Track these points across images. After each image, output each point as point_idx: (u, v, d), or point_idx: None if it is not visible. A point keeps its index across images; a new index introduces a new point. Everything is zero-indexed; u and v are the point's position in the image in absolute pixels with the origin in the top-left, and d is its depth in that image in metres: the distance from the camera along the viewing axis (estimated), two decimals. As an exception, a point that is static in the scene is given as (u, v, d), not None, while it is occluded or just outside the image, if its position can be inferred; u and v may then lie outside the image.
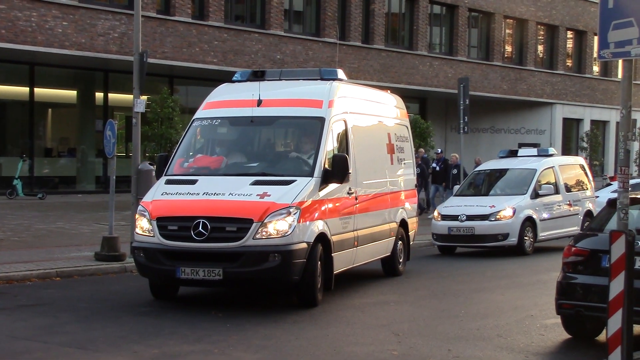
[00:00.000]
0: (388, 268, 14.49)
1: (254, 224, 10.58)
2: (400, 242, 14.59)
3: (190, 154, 12.55)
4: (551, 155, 20.71)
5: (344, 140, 12.46)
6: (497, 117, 42.18)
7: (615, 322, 7.30)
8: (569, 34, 44.39)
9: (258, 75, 12.91)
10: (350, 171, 11.90)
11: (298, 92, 12.81)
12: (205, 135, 12.80)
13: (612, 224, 8.88)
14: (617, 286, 7.34)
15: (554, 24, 43.00)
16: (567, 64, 44.36)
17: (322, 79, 12.80)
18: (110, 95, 29.40)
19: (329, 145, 11.87)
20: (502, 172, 20.36)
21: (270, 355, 8.71)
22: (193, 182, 11.53)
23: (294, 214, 10.76)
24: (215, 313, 10.81)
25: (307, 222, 10.97)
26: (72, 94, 30.29)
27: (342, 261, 12.08)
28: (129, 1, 24.95)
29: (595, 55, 44.60)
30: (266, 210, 10.66)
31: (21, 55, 25.04)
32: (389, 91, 15.87)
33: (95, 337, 9.35)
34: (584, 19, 44.25)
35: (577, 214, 20.25)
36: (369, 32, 34.30)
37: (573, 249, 9.38)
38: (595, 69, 45.92)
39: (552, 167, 19.95)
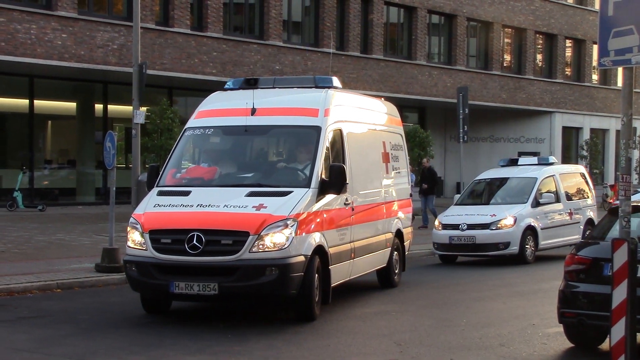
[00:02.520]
0: (383, 279, 14.25)
1: (251, 237, 10.26)
2: (395, 252, 14.33)
3: (183, 164, 12.29)
4: (551, 164, 20.66)
5: (340, 149, 12.17)
6: (497, 126, 42.22)
7: (618, 330, 7.27)
8: (568, 43, 44.45)
9: (251, 83, 12.54)
10: (347, 181, 11.61)
11: (293, 101, 12.47)
12: (198, 145, 12.47)
13: (614, 232, 8.87)
14: (619, 294, 7.31)
15: (553, 33, 43.07)
16: (566, 72, 44.41)
17: (316, 87, 12.51)
18: (109, 106, 29.43)
19: (325, 154, 11.54)
20: (502, 181, 20.29)
21: (272, 366, 8.69)
22: (186, 193, 11.19)
23: (292, 226, 10.44)
24: (217, 324, 10.78)
25: (305, 235, 10.65)
26: (71, 105, 30.32)
27: (339, 274, 11.81)
28: (128, 13, 25.03)
29: (594, 63, 44.65)
30: (263, 222, 10.35)
31: (21, 67, 25.07)
32: (382, 99, 15.73)
33: (96, 349, 9.32)
34: (582, 28, 44.32)
35: (578, 222, 20.20)
36: (368, 42, 34.36)
37: (575, 257, 9.36)
38: (595, 77, 45.97)
39: (552, 175, 19.88)
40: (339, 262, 11.74)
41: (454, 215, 18.96)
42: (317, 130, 11.64)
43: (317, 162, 11.31)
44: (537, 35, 42.55)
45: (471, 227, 18.17)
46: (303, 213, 10.70)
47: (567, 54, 44.58)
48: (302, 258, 10.53)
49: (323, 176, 11.27)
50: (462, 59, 38.39)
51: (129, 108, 18.94)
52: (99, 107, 29.59)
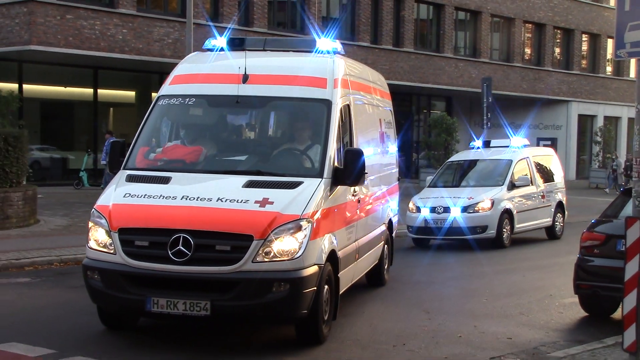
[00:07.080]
0: (373, 278, 11.30)
1: (255, 242, 7.24)
2: (385, 246, 11.50)
3: (157, 141, 9.03)
4: (524, 147, 18.43)
5: (347, 130, 9.10)
6: (517, 113, 41.84)
7: (630, 301, 7.18)
8: (584, 37, 43.84)
9: (236, 44, 9.28)
10: (367, 171, 8.65)
11: (294, 67, 9.10)
12: (176, 118, 9.17)
13: (627, 211, 8.76)
14: (632, 268, 7.21)
15: (570, 28, 42.49)
16: (582, 64, 43.82)
17: (317, 52, 9.32)
18: (165, 95, 29.56)
19: (337, 136, 8.51)
20: (477, 163, 18.02)
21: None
22: (165, 180, 8.06)
23: (306, 228, 7.44)
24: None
25: (318, 239, 7.65)
26: (131, 94, 30.56)
27: (345, 280, 8.95)
28: (182, 10, 25.08)
29: (608, 56, 44.10)
30: (271, 223, 7.32)
31: (86, 60, 25.30)
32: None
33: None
34: (598, 23, 43.68)
35: (550, 205, 18.15)
36: (400, 36, 34.15)
37: (591, 233, 9.28)
38: (609, 69, 45.35)
39: (526, 158, 17.82)
40: (346, 267, 8.89)
41: (430, 197, 16.61)
42: (327, 104, 8.54)
43: (330, 145, 8.27)
44: (556, 30, 42.00)
45: (447, 210, 16.03)
46: (318, 211, 7.70)
47: (583, 48, 43.96)
48: (315, 268, 7.55)
49: (336, 163, 8.30)
50: (486, 52, 38.02)
51: (183, 96, 18.99)
52: (155, 95, 29.73)
